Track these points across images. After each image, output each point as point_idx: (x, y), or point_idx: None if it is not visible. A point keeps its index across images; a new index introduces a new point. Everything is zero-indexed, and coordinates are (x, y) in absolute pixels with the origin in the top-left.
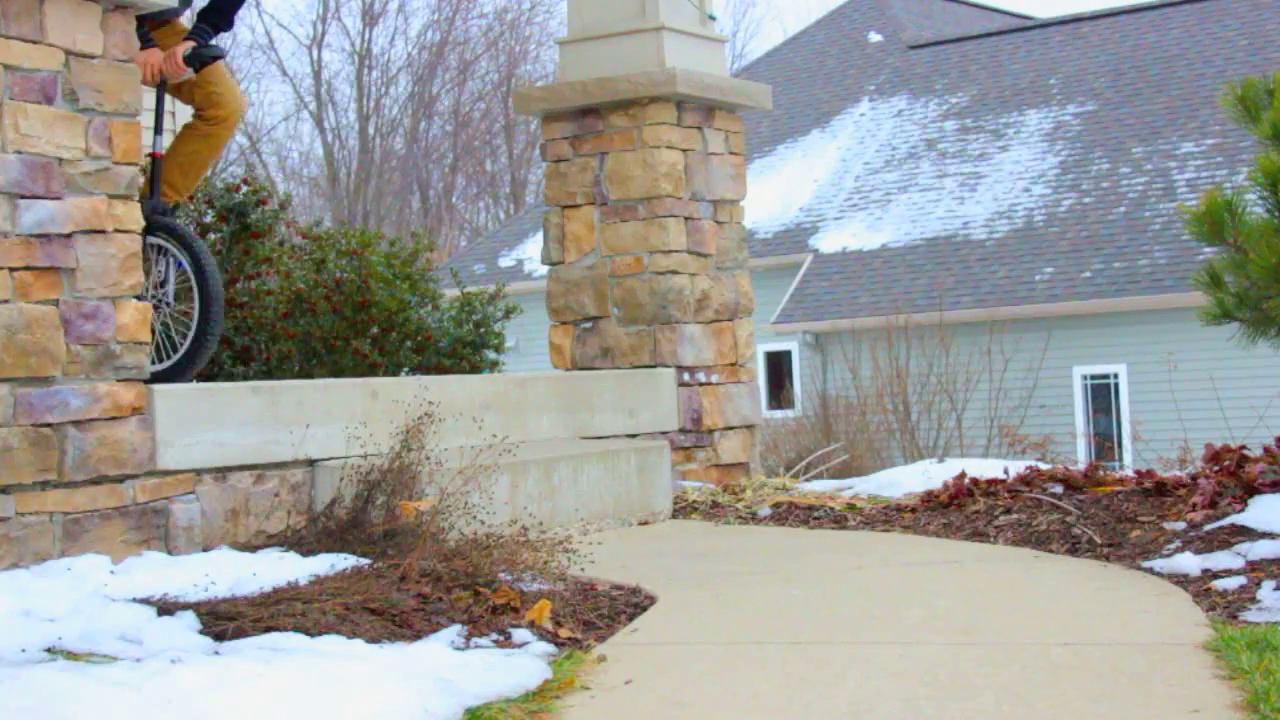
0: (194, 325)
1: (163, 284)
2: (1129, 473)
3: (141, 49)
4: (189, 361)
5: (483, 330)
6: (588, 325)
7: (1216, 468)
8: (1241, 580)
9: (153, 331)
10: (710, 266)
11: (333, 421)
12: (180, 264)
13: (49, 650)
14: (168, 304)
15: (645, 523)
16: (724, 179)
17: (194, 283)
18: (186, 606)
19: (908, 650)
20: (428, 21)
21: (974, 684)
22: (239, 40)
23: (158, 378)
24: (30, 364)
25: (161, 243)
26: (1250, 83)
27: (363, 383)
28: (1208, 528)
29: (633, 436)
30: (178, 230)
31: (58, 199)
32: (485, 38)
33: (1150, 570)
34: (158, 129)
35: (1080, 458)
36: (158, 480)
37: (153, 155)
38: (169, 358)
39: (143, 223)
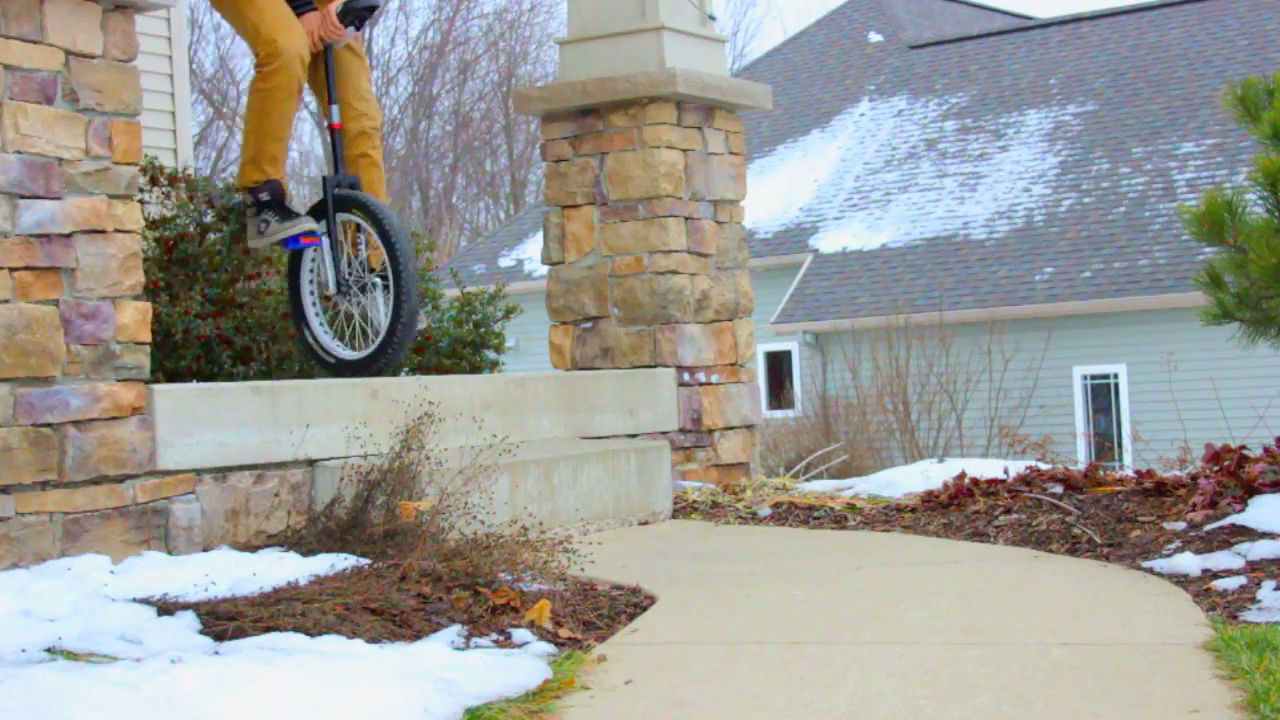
0: (390, 308)
1: (357, 264)
2: (1129, 473)
3: (302, 12)
4: (387, 348)
5: (483, 330)
6: (588, 325)
7: (1216, 468)
8: (1241, 580)
9: (335, 316)
10: (710, 266)
11: (333, 421)
12: (377, 241)
13: (49, 650)
14: (363, 286)
15: (645, 523)
16: (724, 179)
17: (387, 262)
18: (186, 606)
19: (908, 650)
20: (428, 21)
21: (974, 684)
22: (238, 39)
23: (353, 368)
24: (30, 364)
25: (355, 220)
26: (1250, 83)
27: (363, 383)
28: (1208, 528)
29: (633, 436)
30: (368, 204)
31: (58, 199)
32: (485, 38)
33: (1150, 570)
34: (330, 99)
35: (1080, 458)
36: (158, 480)
37: (331, 127)
38: (361, 347)
39: (141, 223)
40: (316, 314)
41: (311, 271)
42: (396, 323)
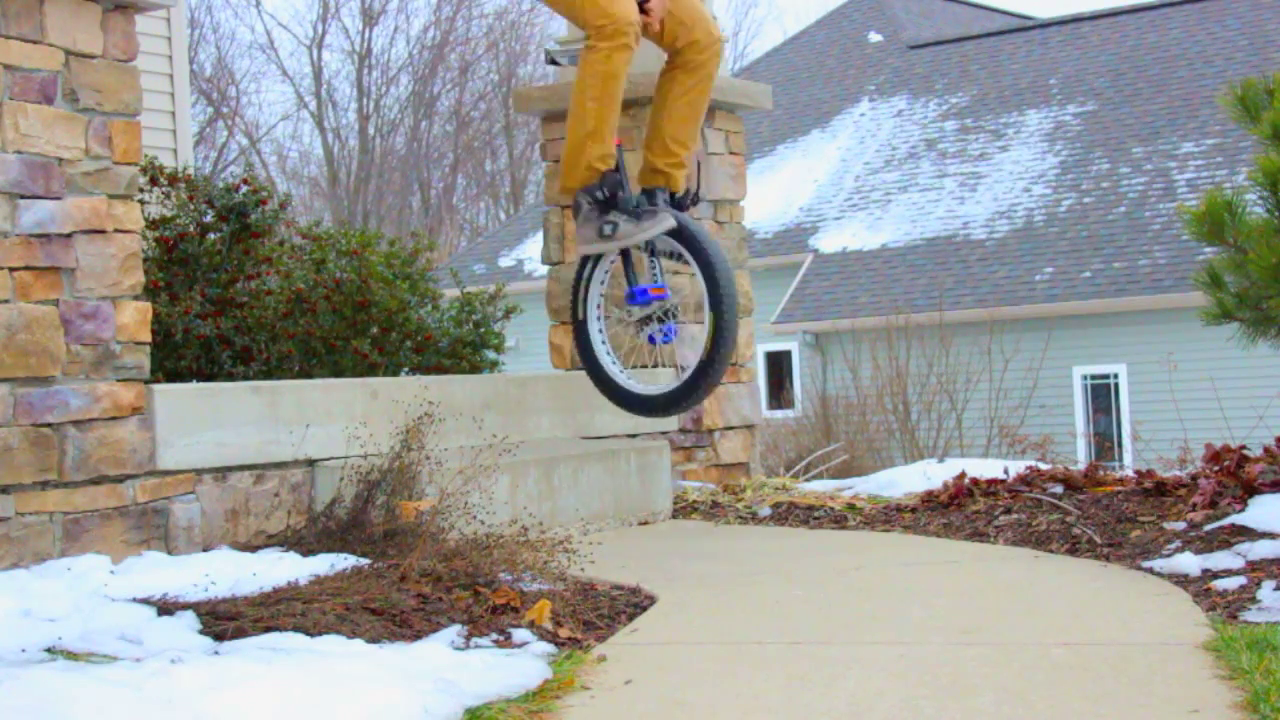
0: (704, 347)
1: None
2: (1129, 473)
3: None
4: (699, 383)
5: (483, 330)
6: None
7: (1216, 468)
8: (1241, 580)
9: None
10: None
11: (333, 421)
12: (692, 266)
13: (49, 650)
14: (666, 312)
15: (645, 523)
16: (724, 179)
17: (704, 288)
18: (186, 606)
19: (908, 650)
20: (428, 21)
21: (974, 684)
22: (237, 39)
23: (655, 406)
24: (30, 364)
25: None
26: (1250, 83)
27: (362, 383)
28: (1208, 528)
29: (633, 436)
30: (680, 223)
31: (58, 199)
32: (486, 38)
33: (1150, 570)
34: None
35: (1080, 458)
36: (158, 480)
37: None
38: (655, 383)
39: (141, 223)
40: (604, 342)
41: (600, 297)
42: (713, 358)
